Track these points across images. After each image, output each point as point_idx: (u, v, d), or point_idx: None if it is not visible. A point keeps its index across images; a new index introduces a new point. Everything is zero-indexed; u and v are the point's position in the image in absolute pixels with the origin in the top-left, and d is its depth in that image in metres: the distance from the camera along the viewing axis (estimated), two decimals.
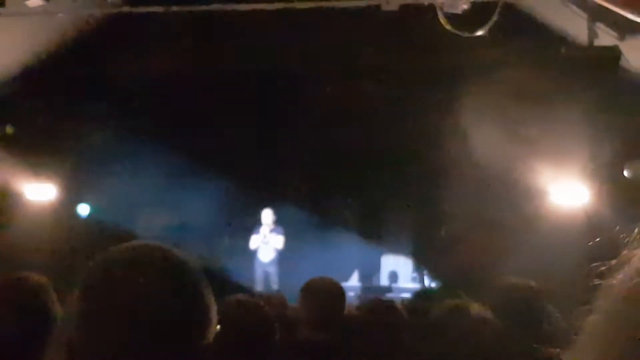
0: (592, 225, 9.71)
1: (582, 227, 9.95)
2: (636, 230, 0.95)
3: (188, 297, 1.50)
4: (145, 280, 1.46)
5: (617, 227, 1.02)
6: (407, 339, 3.94)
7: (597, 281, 0.91)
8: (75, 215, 13.56)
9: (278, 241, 13.48)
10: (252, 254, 13.59)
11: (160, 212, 13.16)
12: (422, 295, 6.33)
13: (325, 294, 3.81)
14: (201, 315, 1.50)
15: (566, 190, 10.90)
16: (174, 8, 9.65)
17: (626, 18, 6.55)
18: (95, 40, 11.61)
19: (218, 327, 1.55)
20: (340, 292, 3.91)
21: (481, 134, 10.22)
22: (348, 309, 4.30)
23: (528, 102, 9.78)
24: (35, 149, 11.83)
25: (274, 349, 3.29)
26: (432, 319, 3.94)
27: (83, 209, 13.76)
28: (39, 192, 12.51)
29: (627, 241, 0.94)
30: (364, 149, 13.23)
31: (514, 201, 10.86)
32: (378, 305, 5.01)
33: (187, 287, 1.51)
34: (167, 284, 1.48)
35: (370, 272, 15.12)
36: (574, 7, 9.36)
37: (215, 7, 9.38)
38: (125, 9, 9.88)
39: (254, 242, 13.58)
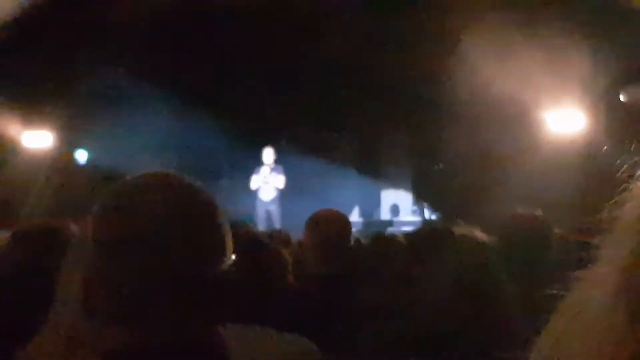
0: (590, 152, 9.72)
1: (580, 155, 9.96)
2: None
3: (204, 223, 1.50)
4: (160, 205, 1.46)
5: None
6: (409, 269, 3.96)
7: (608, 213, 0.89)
8: (74, 162, 13.55)
9: (279, 180, 13.49)
10: (253, 193, 13.62)
11: (160, 153, 13.12)
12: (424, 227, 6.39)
13: (332, 224, 3.80)
14: (217, 241, 1.50)
15: (563, 118, 10.88)
16: None
17: None
18: None
19: (234, 256, 1.55)
20: (347, 223, 3.91)
21: (477, 63, 10.17)
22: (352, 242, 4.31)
23: (523, 28, 9.70)
24: (32, 96, 11.78)
25: (284, 284, 3.31)
26: (430, 244, 3.98)
27: (81, 155, 13.74)
28: (36, 139, 12.48)
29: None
30: (362, 84, 13.17)
31: (511, 131, 10.85)
32: (380, 237, 5.05)
33: (203, 212, 1.51)
34: (183, 209, 1.48)
35: (370, 207, 15.18)
36: None
37: None
38: None
39: (255, 182, 13.59)
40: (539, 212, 3.70)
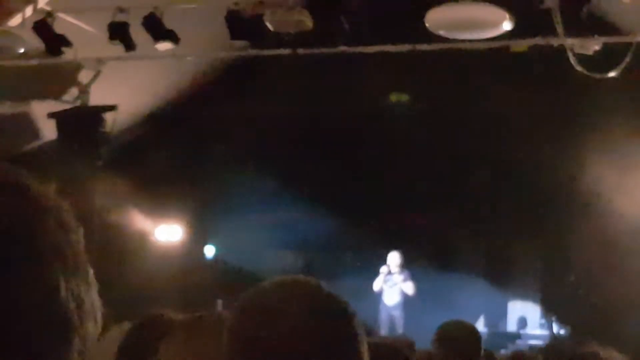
0: None
1: None
2: None
3: (342, 334, 1.47)
4: (301, 313, 1.44)
5: None
6: None
7: None
8: (202, 256, 13.78)
9: (405, 285, 13.29)
10: (377, 297, 13.45)
11: (286, 250, 13.21)
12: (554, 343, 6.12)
13: (464, 337, 3.69)
14: (353, 353, 1.47)
15: None
16: (300, 50, 9.76)
17: None
18: (223, 82, 11.86)
19: None
20: (478, 337, 3.79)
21: (614, 179, 9.93)
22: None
23: None
24: (164, 191, 12.09)
25: None
26: None
27: (209, 250, 13.97)
28: (167, 233, 12.76)
29: None
30: (492, 193, 13.04)
31: None
32: (519, 357, 4.86)
33: (341, 323, 1.49)
34: (321, 320, 1.47)
35: (496, 318, 14.78)
36: None
37: (341, 49, 9.44)
38: (252, 51, 10.06)
39: (379, 284, 13.43)
40: None
